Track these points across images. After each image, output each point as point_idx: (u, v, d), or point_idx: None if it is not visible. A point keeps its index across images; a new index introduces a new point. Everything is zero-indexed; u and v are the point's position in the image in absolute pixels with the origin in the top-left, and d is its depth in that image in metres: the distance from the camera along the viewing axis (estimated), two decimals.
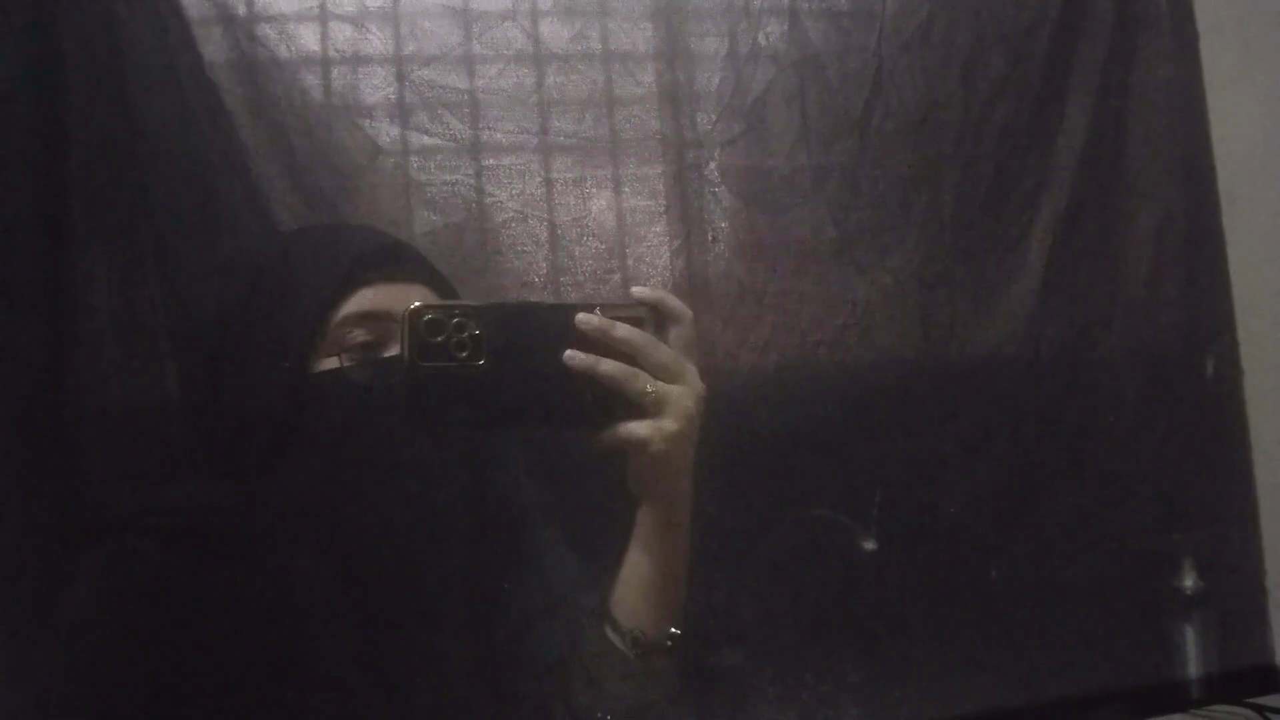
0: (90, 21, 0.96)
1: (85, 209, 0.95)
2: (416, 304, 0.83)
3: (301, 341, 0.85)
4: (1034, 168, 1.22)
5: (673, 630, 0.88)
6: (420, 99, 1.07)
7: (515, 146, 1.09)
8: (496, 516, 0.91)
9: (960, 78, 1.21)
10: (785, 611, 1.06)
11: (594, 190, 1.10)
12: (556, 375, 0.83)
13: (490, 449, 0.91)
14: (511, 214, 1.08)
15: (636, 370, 0.84)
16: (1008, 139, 1.21)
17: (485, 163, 1.09)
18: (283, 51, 1.04)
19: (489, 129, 1.09)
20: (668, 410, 0.84)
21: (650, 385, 0.84)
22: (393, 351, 0.86)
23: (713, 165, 1.14)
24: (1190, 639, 1.18)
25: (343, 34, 1.06)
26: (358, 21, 1.06)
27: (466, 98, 1.09)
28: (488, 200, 1.08)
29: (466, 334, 0.82)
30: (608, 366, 0.83)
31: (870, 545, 1.10)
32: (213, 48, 1.02)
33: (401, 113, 1.07)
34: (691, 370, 0.87)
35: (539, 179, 1.09)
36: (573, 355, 0.83)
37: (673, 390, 0.85)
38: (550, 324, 0.85)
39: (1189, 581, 1.18)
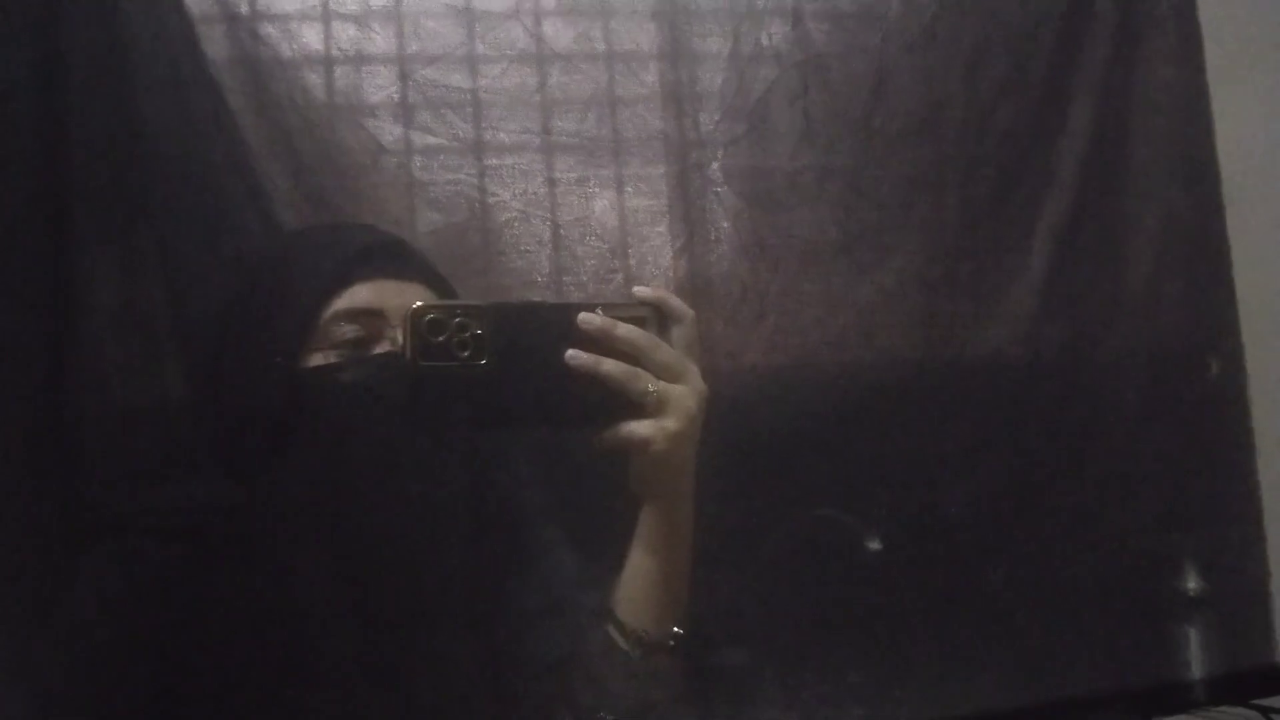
0: (92, 19, 0.96)
1: (87, 208, 0.95)
2: (419, 303, 0.83)
3: (292, 337, 0.86)
4: (1037, 169, 1.22)
5: (675, 630, 0.88)
6: (423, 98, 1.07)
7: (518, 146, 1.09)
8: (498, 516, 0.91)
9: (963, 79, 1.20)
10: (787, 611, 1.06)
11: (597, 190, 1.11)
12: (558, 375, 0.83)
13: (492, 449, 0.91)
14: (514, 214, 1.08)
15: (638, 370, 0.84)
16: (1011, 140, 1.21)
17: (488, 162, 1.09)
18: (286, 50, 1.04)
19: (492, 128, 1.09)
20: (669, 410, 0.84)
21: (652, 385, 0.84)
22: (384, 348, 0.86)
23: (715, 165, 1.14)
24: (1194, 640, 1.18)
25: (346, 33, 1.06)
26: (361, 20, 1.06)
27: (469, 97, 1.09)
28: (491, 200, 1.08)
29: (468, 334, 0.82)
30: (609, 366, 0.83)
31: (873, 545, 1.10)
32: (215, 46, 1.02)
33: (404, 112, 1.07)
34: (693, 370, 0.87)
35: (542, 179, 1.10)
36: (574, 355, 0.83)
37: (674, 390, 0.85)
38: (552, 324, 0.85)
39: (1192, 582, 1.18)
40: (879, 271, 1.17)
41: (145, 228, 0.97)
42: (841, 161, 1.17)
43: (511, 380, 0.84)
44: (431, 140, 1.07)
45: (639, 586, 0.87)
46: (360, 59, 1.06)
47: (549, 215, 1.09)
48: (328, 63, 1.06)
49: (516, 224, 1.08)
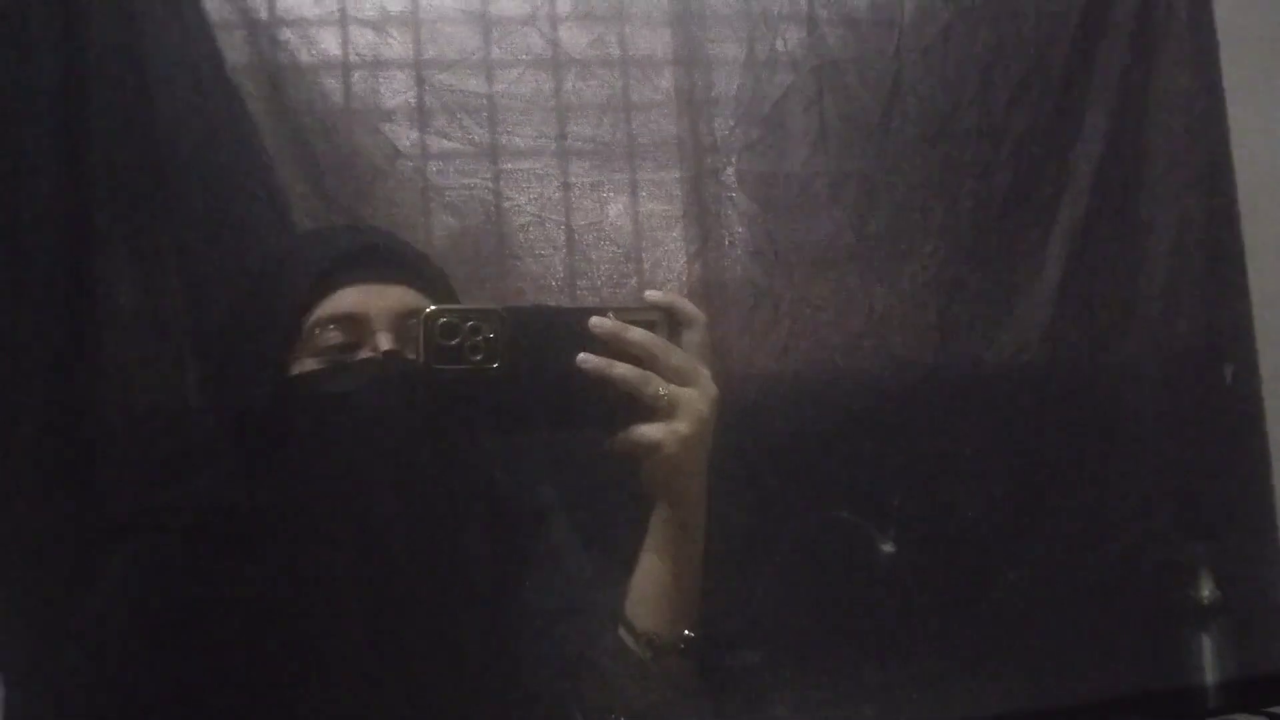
0: (112, 26, 0.97)
1: (107, 212, 0.96)
2: (432, 307, 0.83)
3: (276, 345, 0.86)
4: (1052, 174, 1.22)
5: (687, 632, 0.88)
6: (439, 103, 1.08)
7: (533, 151, 1.10)
8: (510, 518, 0.91)
9: (979, 84, 1.20)
10: (800, 613, 1.06)
11: (611, 195, 1.11)
12: (570, 378, 0.84)
13: (504, 451, 0.92)
14: (529, 218, 1.09)
15: (649, 374, 0.84)
16: (1026, 146, 1.21)
17: (503, 167, 1.09)
18: (304, 56, 1.05)
19: (507, 133, 1.10)
20: (680, 413, 0.84)
21: (663, 388, 0.84)
22: (367, 354, 0.86)
23: (730, 170, 1.14)
24: (1208, 647, 1.17)
25: (363, 38, 1.07)
26: (378, 26, 1.07)
27: (485, 102, 1.09)
28: (506, 204, 1.09)
29: (481, 337, 0.83)
30: (621, 370, 0.84)
31: (886, 548, 1.10)
32: (234, 52, 1.03)
33: (421, 117, 1.08)
34: (705, 374, 0.87)
35: (557, 183, 1.10)
36: (586, 358, 0.84)
37: (685, 393, 0.85)
38: (564, 327, 0.85)
39: (1207, 590, 1.18)
40: (893, 276, 1.17)
41: (164, 231, 0.98)
42: (856, 166, 1.17)
43: (524, 383, 0.84)
44: (447, 145, 1.08)
45: (650, 589, 0.88)
46: (377, 64, 1.07)
47: (564, 219, 1.09)
48: (345, 68, 1.07)
49: (531, 228, 1.09)
